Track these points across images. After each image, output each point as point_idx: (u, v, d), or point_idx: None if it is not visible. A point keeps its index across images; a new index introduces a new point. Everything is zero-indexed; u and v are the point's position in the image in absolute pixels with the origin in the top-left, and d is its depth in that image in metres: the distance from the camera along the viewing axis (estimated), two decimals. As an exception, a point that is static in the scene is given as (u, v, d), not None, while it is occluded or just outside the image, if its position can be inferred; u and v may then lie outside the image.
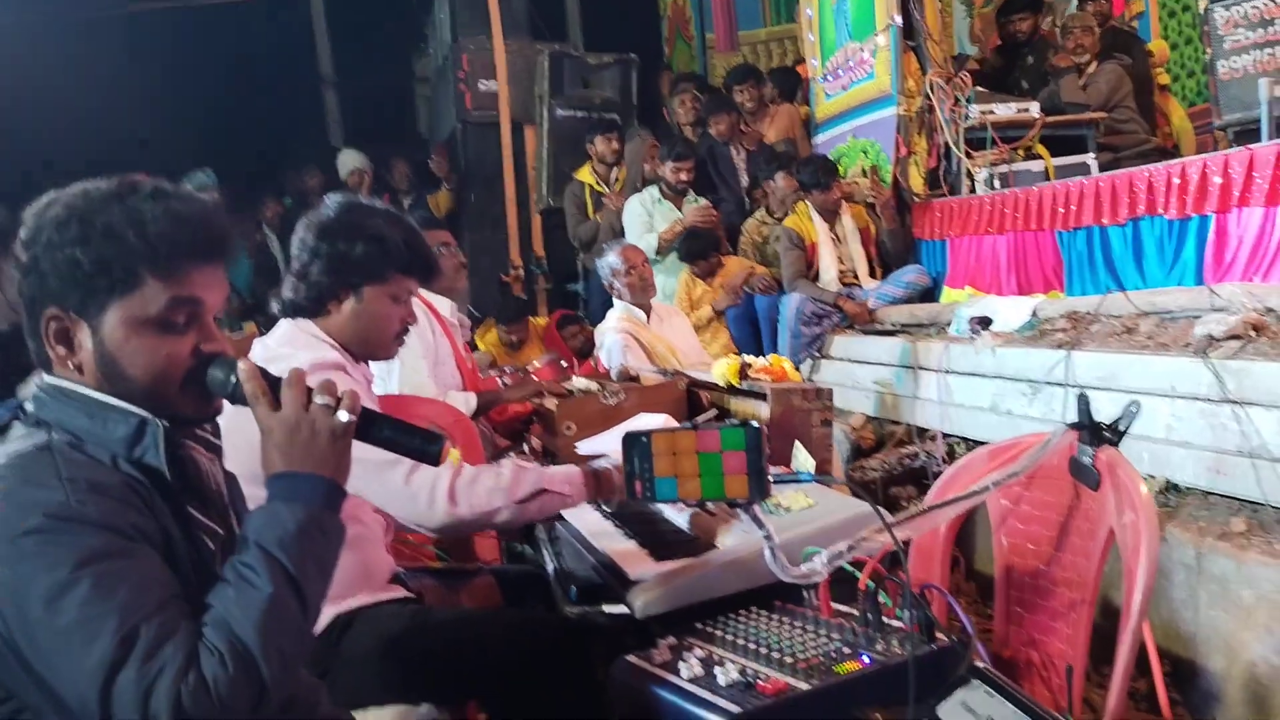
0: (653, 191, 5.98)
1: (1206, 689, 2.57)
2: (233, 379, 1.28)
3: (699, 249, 5.63)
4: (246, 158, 8.18)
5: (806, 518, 1.92)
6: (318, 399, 1.28)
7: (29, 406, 1.26)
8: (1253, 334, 2.74)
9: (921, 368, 4.35)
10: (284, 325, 2.14)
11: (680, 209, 5.87)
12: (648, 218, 5.87)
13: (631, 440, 1.28)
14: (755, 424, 1.24)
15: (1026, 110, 5.35)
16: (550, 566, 2.26)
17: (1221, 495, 2.74)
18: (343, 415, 1.28)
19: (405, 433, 1.38)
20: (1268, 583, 2.40)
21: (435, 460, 1.40)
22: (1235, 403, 2.63)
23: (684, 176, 5.87)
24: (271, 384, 1.28)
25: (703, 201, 5.85)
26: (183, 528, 1.23)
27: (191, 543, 1.24)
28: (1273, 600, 2.38)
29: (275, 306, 2.17)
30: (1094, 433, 1.43)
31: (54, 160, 6.95)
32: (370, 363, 2.25)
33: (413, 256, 2.12)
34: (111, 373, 1.24)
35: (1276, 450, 2.53)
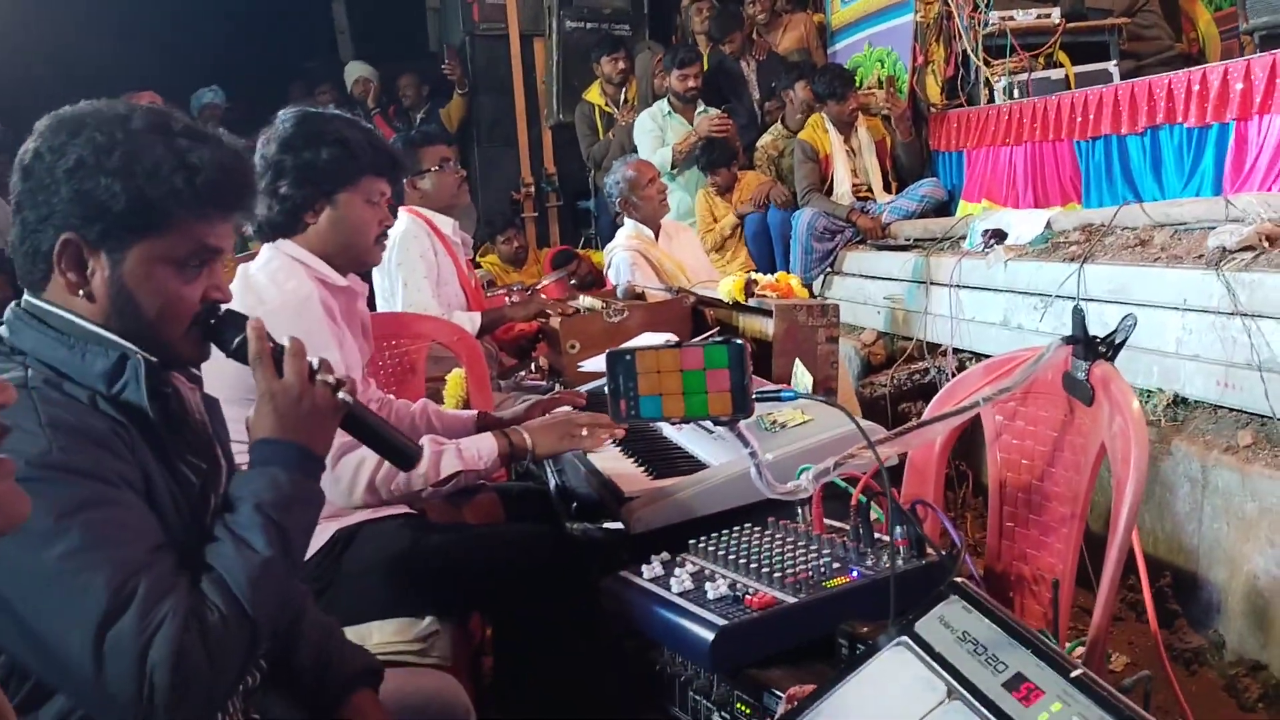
0: (662, 105, 5.87)
1: (1208, 600, 2.59)
2: (239, 337, 1.28)
3: (719, 158, 5.54)
4: (255, 74, 8.06)
5: (801, 434, 1.92)
6: (321, 376, 1.29)
7: (2, 332, 1.24)
8: (1266, 245, 2.69)
9: (934, 283, 4.32)
10: (265, 252, 2.10)
11: (691, 121, 5.77)
12: (659, 132, 5.77)
13: (615, 358, 1.28)
14: (739, 341, 1.22)
15: (1048, 16, 5.18)
16: (552, 484, 2.27)
17: (1230, 409, 2.72)
18: (342, 396, 1.30)
19: (387, 436, 1.40)
20: (1271, 495, 2.40)
21: (407, 467, 1.47)
22: (1246, 315, 2.59)
23: (691, 83, 5.74)
24: (275, 350, 1.29)
25: (714, 112, 5.73)
26: (165, 466, 1.23)
27: (174, 479, 1.24)
28: (1276, 512, 2.38)
29: (250, 228, 2.14)
30: (1088, 347, 1.41)
31: (56, 77, 6.88)
32: (368, 274, 2.25)
33: (379, 155, 2.08)
34: (124, 307, 1.22)
35: (1286, 363, 2.50)
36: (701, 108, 5.76)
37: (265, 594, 1.16)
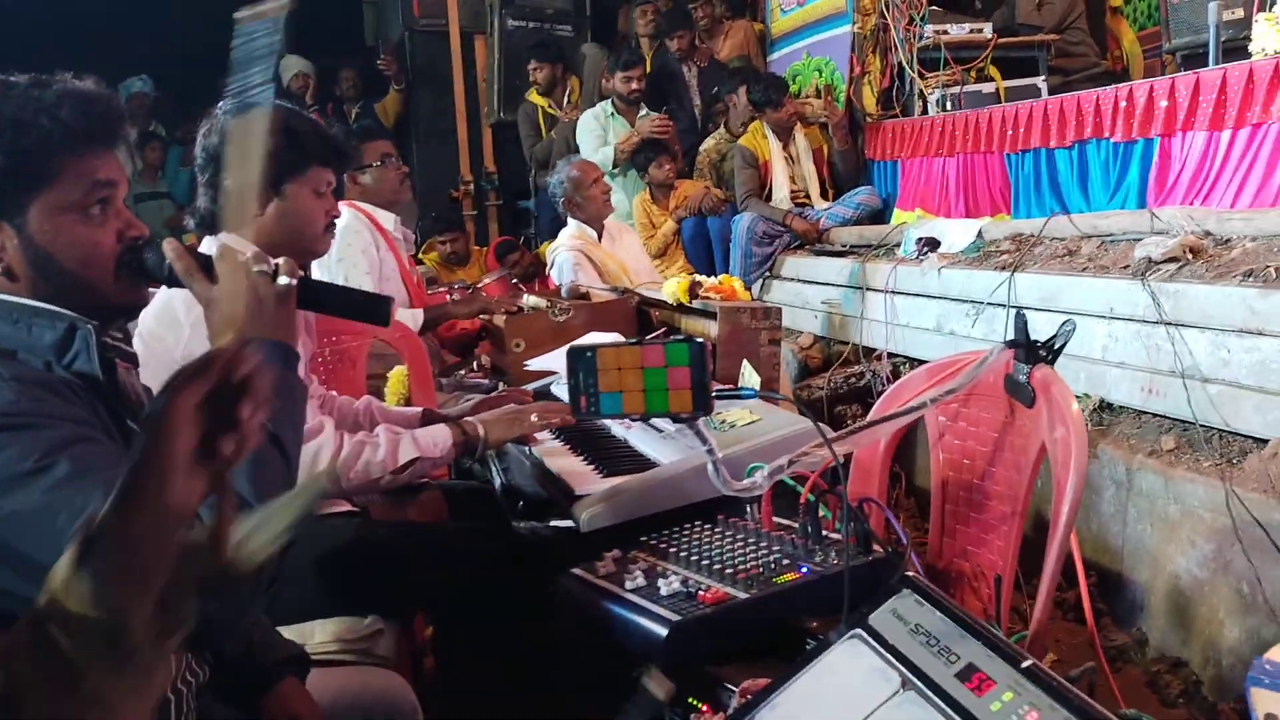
0: (605, 106, 5.88)
1: (1132, 599, 2.68)
2: (169, 263, 1.26)
3: (652, 157, 5.57)
4: (185, 65, 7.89)
5: (750, 433, 1.95)
6: (255, 267, 1.28)
7: None
8: (1190, 257, 2.79)
9: (869, 288, 4.39)
10: (205, 244, 2.05)
11: (633, 123, 5.79)
12: (601, 132, 5.78)
13: (576, 355, 1.28)
14: (699, 340, 1.24)
15: (980, 31, 5.33)
16: (497, 482, 2.27)
17: (1153, 414, 2.82)
18: (283, 280, 1.29)
19: (349, 296, 1.38)
20: (1193, 498, 2.49)
21: (384, 321, 1.41)
22: (1170, 324, 2.69)
23: (635, 85, 5.76)
24: (202, 261, 1.27)
25: (654, 115, 5.76)
26: (119, 431, 1.21)
27: (126, 446, 1.23)
28: (1197, 515, 2.47)
29: (191, 221, 2.10)
30: (1030, 351, 1.46)
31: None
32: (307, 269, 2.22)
33: (325, 145, 2.06)
34: (46, 270, 1.21)
35: (1208, 371, 2.60)
36: (644, 111, 5.79)
37: (263, 485, 1.17)
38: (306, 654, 1.54)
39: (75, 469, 1.08)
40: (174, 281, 1.28)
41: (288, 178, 2.01)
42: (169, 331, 1.76)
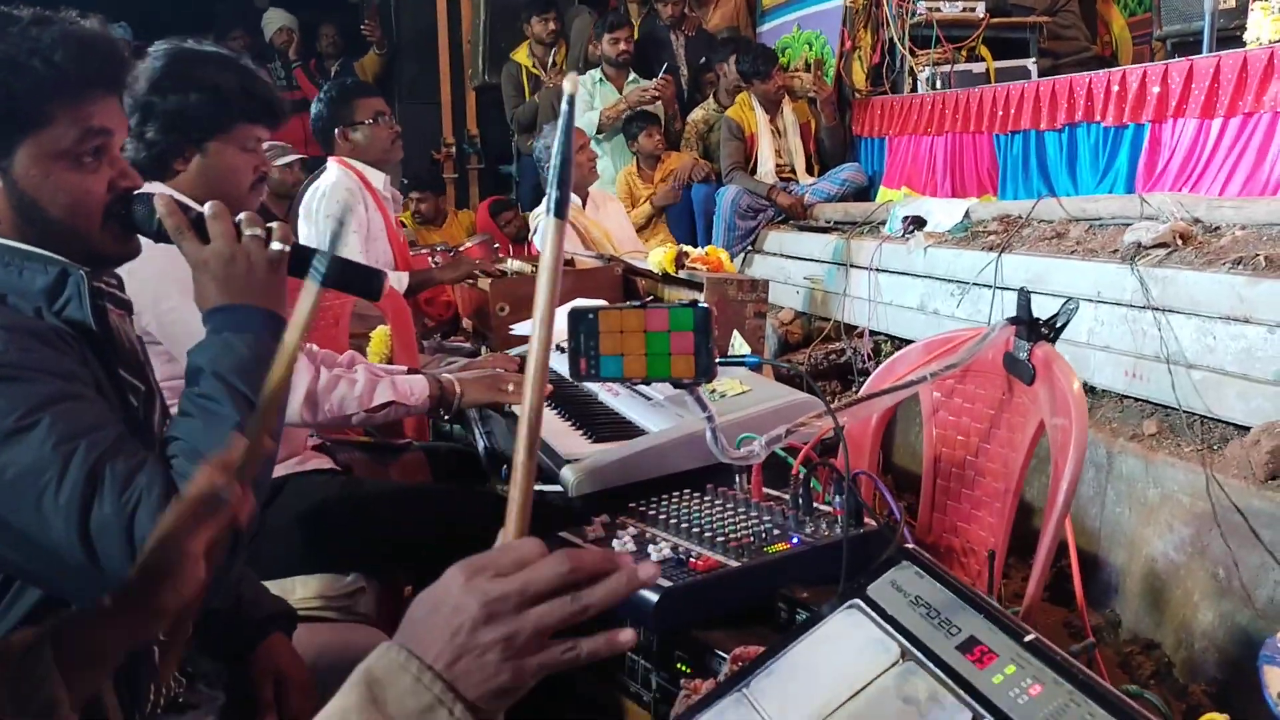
0: (594, 74, 5.83)
1: (1107, 581, 2.70)
2: (155, 215, 1.23)
3: (645, 123, 5.54)
4: (166, 13, 7.75)
5: (741, 403, 1.94)
6: (248, 230, 1.24)
7: None
8: (1179, 243, 2.80)
9: (853, 265, 4.39)
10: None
11: (621, 90, 5.75)
12: (589, 98, 5.73)
13: (578, 316, 1.26)
14: (704, 305, 1.22)
15: (973, 10, 5.32)
16: (481, 445, 2.25)
17: (1136, 398, 2.84)
18: (276, 245, 1.25)
19: (341, 265, 1.34)
20: (1173, 482, 2.51)
21: (376, 296, 1.37)
22: (1157, 309, 2.70)
23: (623, 47, 5.71)
24: (193, 219, 1.24)
25: (646, 83, 5.71)
26: (111, 382, 1.19)
27: (119, 396, 1.20)
28: (1176, 499, 2.49)
29: None
30: (1031, 328, 1.46)
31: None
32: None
33: (255, 101, 1.93)
34: (30, 215, 1.17)
35: (1192, 356, 2.61)
36: (632, 77, 5.74)
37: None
38: (293, 610, 1.53)
39: (59, 429, 1.05)
40: (162, 236, 1.24)
41: (212, 134, 1.91)
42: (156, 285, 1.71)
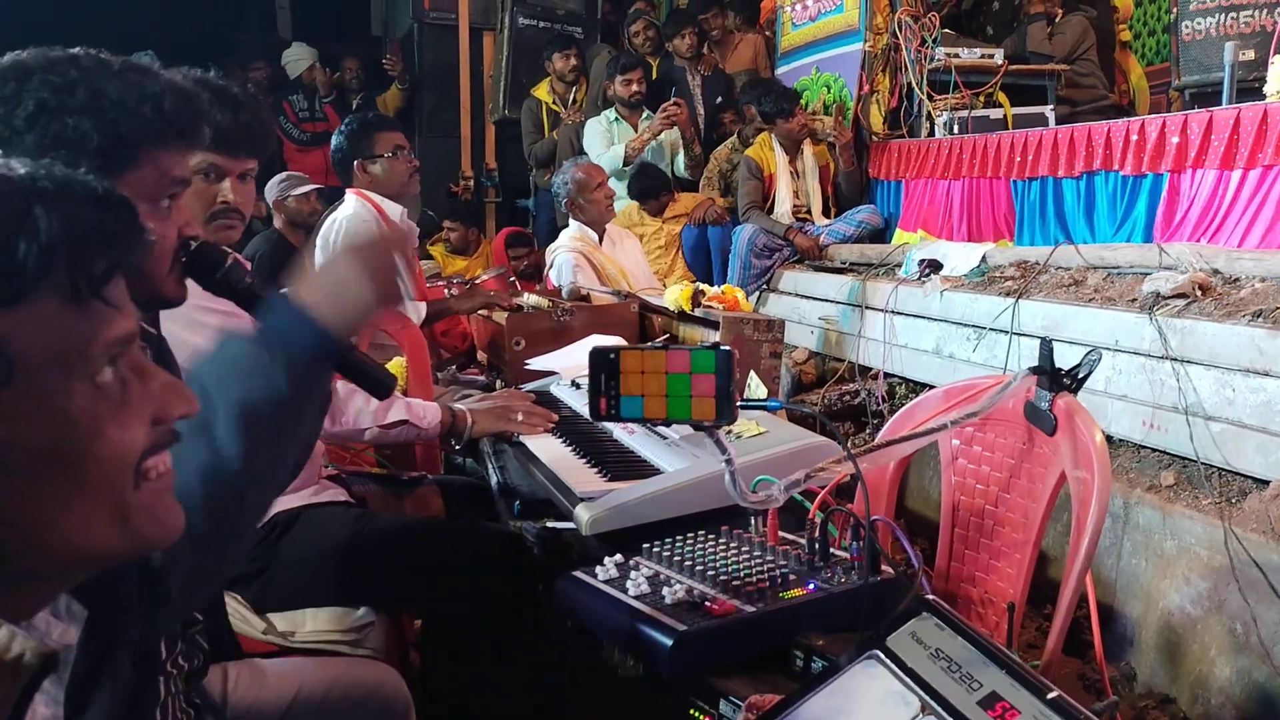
0: (609, 114, 5.88)
1: (1122, 633, 2.67)
2: (220, 269, 1.25)
3: (649, 187, 5.57)
4: (190, 44, 7.84)
5: (758, 445, 1.93)
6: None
7: None
8: (1198, 294, 2.79)
9: (868, 307, 4.39)
10: None
11: (636, 128, 5.79)
12: (608, 136, 5.78)
13: (599, 356, 1.26)
14: (726, 348, 1.22)
15: (991, 57, 5.35)
16: (494, 480, 2.24)
17: (1153, 449, 2.81)
18: None
19: (360, 362, 1.36)
20: (1190, 535, 2.49)
21: (381, 396, 1.37)
22: (1176, 360, 2.68)
23: (635, 88, 5.76)
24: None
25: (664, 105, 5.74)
26: None
27: None
28: (1194, 552, 2.47)
29: None
30: (1054, 378, 1.45)
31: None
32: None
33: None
34: None
35: (1211, 408, 2.60)
36: (646, 114, 5.78)
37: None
38: None
39: None
40: (221, 288, 1.25)
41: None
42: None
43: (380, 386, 1.34)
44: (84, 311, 0.71)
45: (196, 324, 1.58)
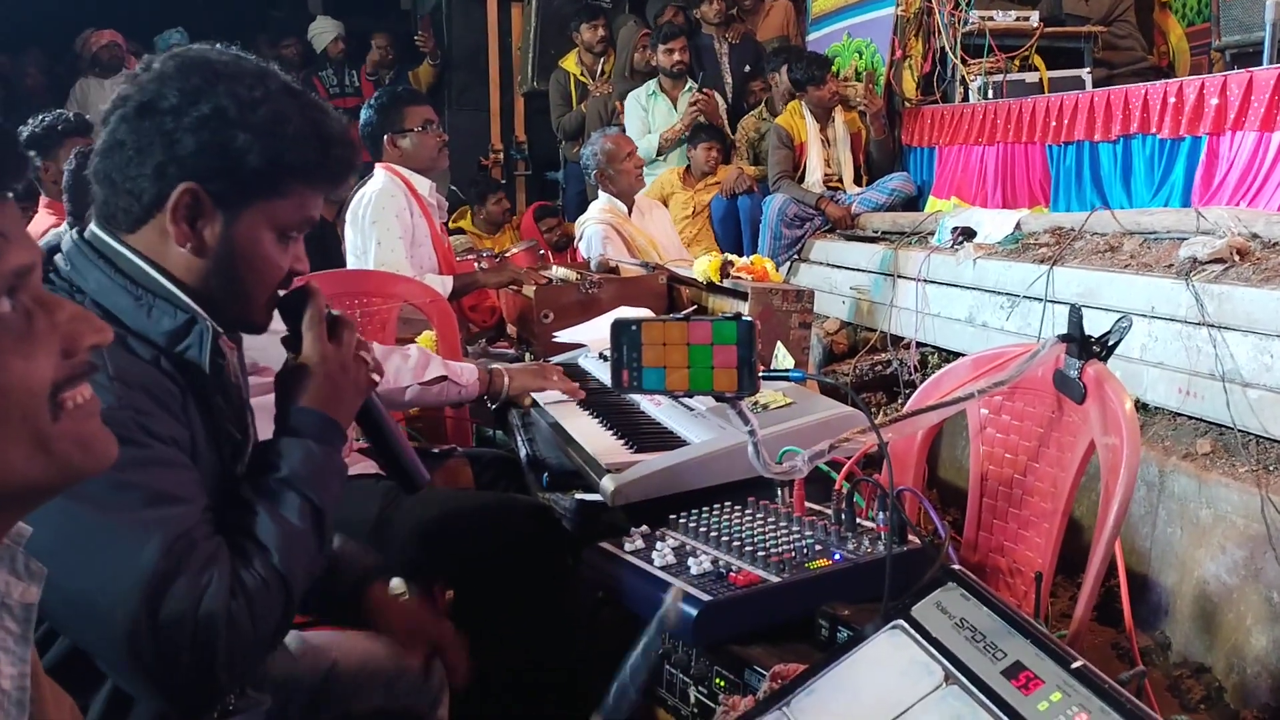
0: (648, 86, 5.85)
1: (1156, 602, 2.65)
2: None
3: (705, 137, 5.58)
4: (220, 18, 7.88)
5: (784, 416, 1.92)
6: (363, 352, 1.30)
7: (60, 262, 1.18)
8: (1237, 258, 2.74)
9: (901, 276, 4.35)
10: None
11: (676, 103, 5.75)
12: (643, 113, 5.76)
13: (621, 328, 1.26)
14: (748, 319, 1.22)
15: (1026, 19, 5.25)
16: (523, 452, 2.25)
17: (1190, 416, 2.78)
18: (375, 376, 1.32)
19: (395, 446, 1.39)
20: (1226, 503, 2.46)
21: (411, 490, 1.44)
22: (1213, 326, 2.64)
23: (678, 57, 5.73)
24: (330, 317, 1.28)
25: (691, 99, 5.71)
26: (208, 432, 1.20)
27: (214, 447, 1.22)
28: (1230, 520, 2.44)
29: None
30: (1083, 346, 1.43)
31: (7, 10, 6.63)
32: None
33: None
34: (226, 268, 1.19)
35: (1249, 375, 2.56)
36: (688, 85, 5.74)
37: (298, 563, 1.15)
38: (382, 560, 1.59)
39: (144, 498, 1.06)
40: (296, 323, 1.27)
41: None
42: None
43: (407, 477, 1.40)
44: None
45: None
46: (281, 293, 1.28)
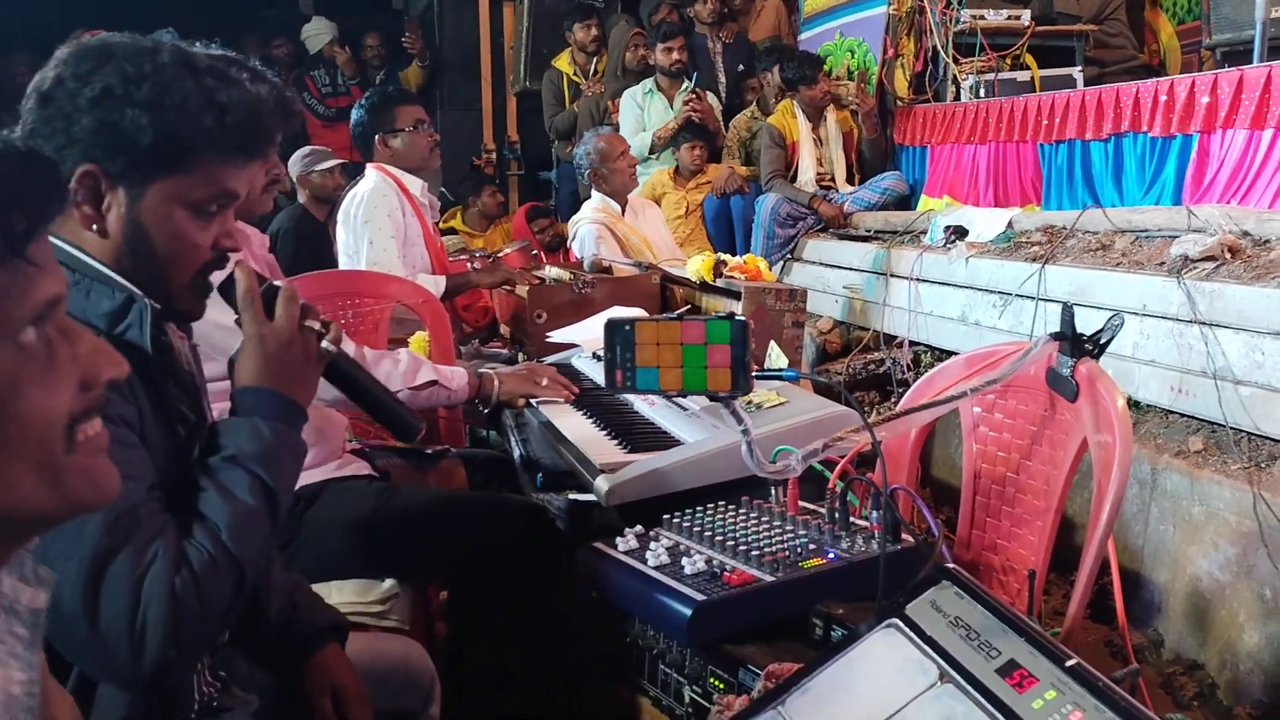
0: (645, 84, 5.84)
1: (1149, 600, 2.66)
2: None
3: (700, 133, 5.59)
4: (210, 18, 7.84)
5: (778, 415, 1.92)
6: (309, 322, 1.26)
7: None
8: (1228, 256, 2.75)
9: (893, 274, 4.35)
10: None
11: (672, 102, 5.75)
12: (639, 112, 5.75)
13: (614, 328, 1.26)
14: (741, 318, 1.22)
15: (1018, 18, 5.26)
16: (516, 453, 2.25)
17: (1181, 414, 2.78)
18: (326, 345, 1.27)
19: (381, 396, 1.36)
20: (1219, 500, 2.46)
21: (409, 439, 1.43)
22: (1204, 324, 2.65)
23: (676, 56, 5.73)
24: (266, 291, 1.25)
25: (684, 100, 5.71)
26: (157, 413, 1.19)
27: (164, 428, 1.20)
28: (1222, 518, 2.45)
29: None
30: (1075, 344, 1.43)
31: (2, 14, 6.61)
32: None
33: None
34: (136, 247, 1.18)
35: (1240, 372, 2.56)
36: (685, 85, 5.75)
37: (249, 541, 1.15)
38: (346, 621, 1.53)
39: None
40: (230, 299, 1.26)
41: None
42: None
43: (401, 425, 1.37)
44: (5, 269, 0.70)
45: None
46: (220, 275, 1.26)
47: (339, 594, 1.93)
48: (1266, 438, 2.51)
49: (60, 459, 0.72)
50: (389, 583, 1.98)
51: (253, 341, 1.23)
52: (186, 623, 1.06)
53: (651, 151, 5.65)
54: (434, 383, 2.20)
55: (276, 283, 1.26)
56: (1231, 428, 2.57)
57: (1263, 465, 2.45)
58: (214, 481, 1.17)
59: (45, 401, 0.71)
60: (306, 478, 1.94)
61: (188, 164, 1.16)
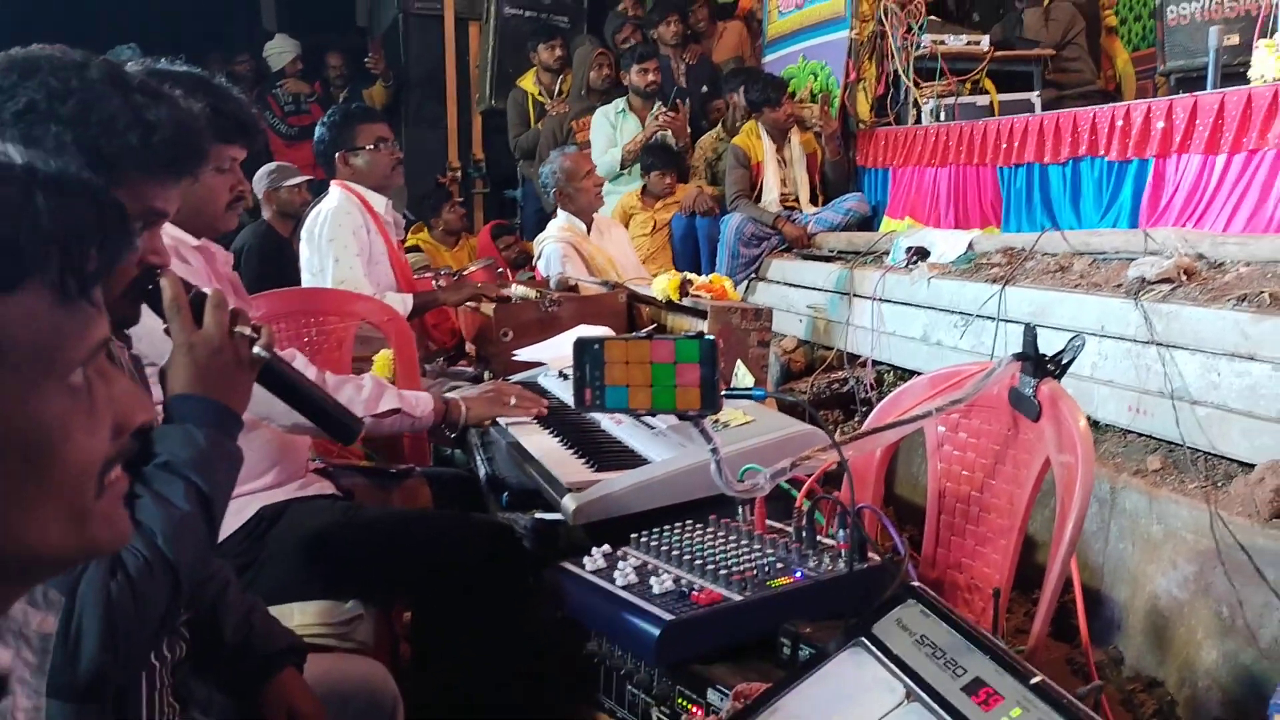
0: (617, 104, 5.86)
1: (1109, 617, 2.68)
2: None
3: (663, 160, 5.59)
4: (173, 34, 7.79)
5: (745, 434, 1.92)
6: (240, 328, 1.24)
7: None
8: (1184, 278, 2.80)
9: (856, 295, 4.39)
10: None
11: (644, 121, 5.77)
12: (611, 131, 5.77)
13: (583, 347, 1.26)
14: (710, 337, 1.22)
15: (977, 43, 5.35)
16: (482, 471, 2.24)
17: (1140, 434, 2.83)
18: (259, 350, 1.25)
19: (317, 398, 1.34)
20: (1177, 519, 2.50)
21: (348, 440, 1.42)
22: (1161, 345, 2.69)
23: (651, 77, 5.75)
24: (194, 299, 1.23)
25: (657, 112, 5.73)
26: None
27: None
28: (1180, 536, 2.48)
29: None
30: (1037, 364, 1.45)
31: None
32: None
33: (229, 121, 1.83)
34: None
35: (1197, 393, 2.61)
36: (658, 106, 5.78)
37: (185, 546, 1.14)
38: (304, 644, 1.51)
39: None
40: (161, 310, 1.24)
41: None
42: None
43: (339, 427, 1.36)
44: (69, 310, 0.69)
45: None
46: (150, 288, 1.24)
47: (302, 615, 1.90)
48: (1223, 457, 2.55)
49: (90, 503, 0.71)
50: (352, 603, 1.96)
51: (182, 350, 1.21)
52: (122, 627, 1.06)
53: (623, 166, 5.66)
54: (398, 410, 2.15)
55: (204, 289, 1.24)
56: (1189, 447, 2.61)
57: (1219, 484, 2.50)
58: (149, 488, 1.15)
59: (88, 445, 0.70)
60: (269, 497, 1.92)
61: (113, 181, 1.14)
